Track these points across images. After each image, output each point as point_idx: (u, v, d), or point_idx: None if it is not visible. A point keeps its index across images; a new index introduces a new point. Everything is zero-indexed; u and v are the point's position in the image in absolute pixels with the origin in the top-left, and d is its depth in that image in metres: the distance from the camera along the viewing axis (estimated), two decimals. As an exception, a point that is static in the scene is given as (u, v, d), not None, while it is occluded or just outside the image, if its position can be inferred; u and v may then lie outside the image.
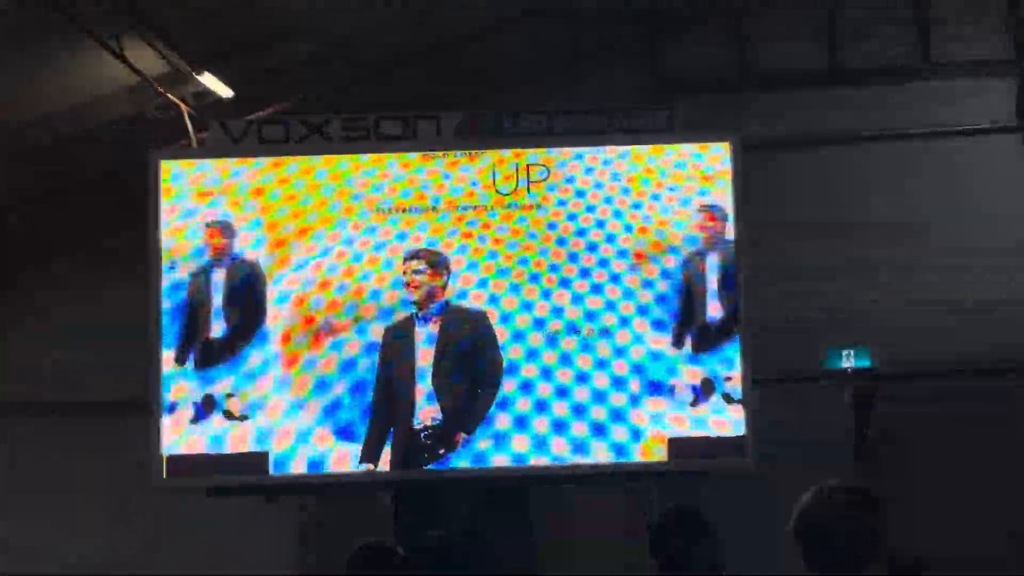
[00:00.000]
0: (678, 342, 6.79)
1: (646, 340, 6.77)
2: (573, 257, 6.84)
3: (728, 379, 6.75)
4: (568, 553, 9.33)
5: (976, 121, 9.83)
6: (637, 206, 6.89)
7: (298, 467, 6.68)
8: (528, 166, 6.93)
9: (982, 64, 9.86)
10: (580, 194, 6.91)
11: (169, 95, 8.28)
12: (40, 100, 8.22)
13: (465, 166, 6.91)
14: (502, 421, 6.71)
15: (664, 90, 9.88)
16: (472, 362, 6.78)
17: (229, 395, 6.72)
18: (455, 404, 6.73)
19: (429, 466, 6.70)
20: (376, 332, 6.76)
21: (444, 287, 6.81)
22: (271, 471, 6.68)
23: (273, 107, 8.71)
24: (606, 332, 6.78)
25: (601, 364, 6.75)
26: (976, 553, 8.93)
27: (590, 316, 6.79)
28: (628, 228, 6.87)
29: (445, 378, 6.73)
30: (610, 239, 6.86)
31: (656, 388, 6.73)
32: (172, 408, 6.72)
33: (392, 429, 6.72)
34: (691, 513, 5.19)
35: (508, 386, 6.73)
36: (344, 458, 6.68)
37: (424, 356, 6.75)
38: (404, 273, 6.80)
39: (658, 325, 6.79)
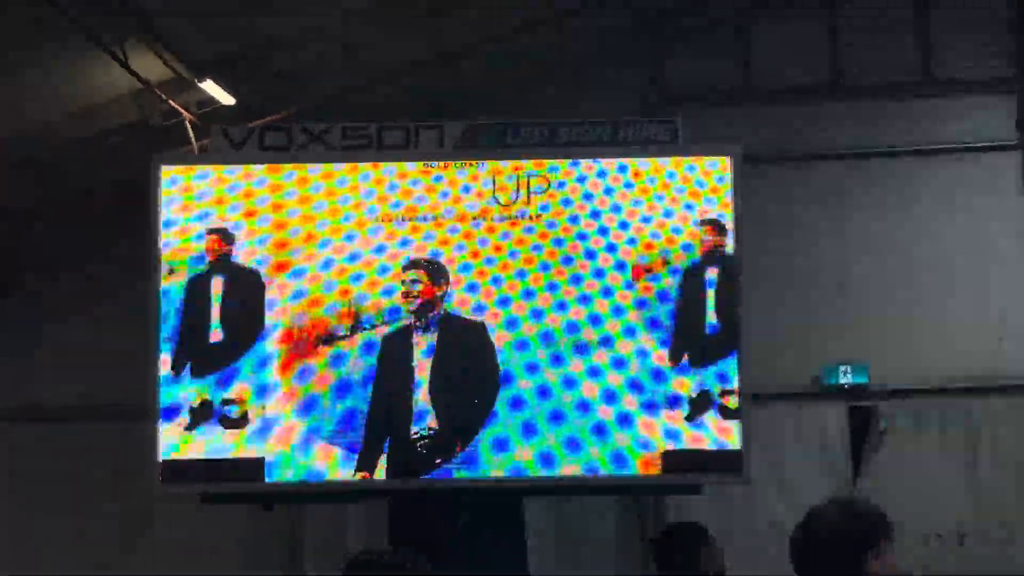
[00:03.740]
0: (676, 355, 6.78)
1: (643, 352, 6.76)
2: (572, 268, 6.84)
3: (725, 393, 6.75)
4: (561, 563, 9.34)
5: (976, 138, 9.84)
6: (637, 218, 6.89)
7: (294, 474, 6.68)
8: (528, 177, 6.94)
9: (982, 82, 9.88)
10: (580, 205, 6.91)
11: (172, 102, 8.30)
12: (44, 106, 8.24)
13: (466, 176, 6.92)
14: (498, 431, 6.71)
15: (667, 103, 9.90)
16: (469, 373, 6.78)
17: (226, 401, 6.73)
18: (451, 414, 6.73)
19: (425, 475, 6.70)
20: (373, 341, 6.76)
21: (442, 297, 6.81)
22: (266, 478, 6.68)
23: (275, 115, 8.73)
24: (603, 344, 6.77)
25: (598, 375, 6.75)
26: (970, 568, 8.95)
27: (587, 327, 6.79)
28: (628, 240, 6.87)
29: (442, 388, 6.73)
30: (609, 250, 6.86)
31: (652, 400, 6.73)
32: (168, 414, 6.73)
33: (388, 438, 6.72)
34: (695, 527, 5.23)
35: (504, 397, 6.73)
36: (340, 466, 6.68)
37: (421, 366, 6.75)
38: (402, 283, 6.81)
39: (655, 338, 6.78)
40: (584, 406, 6.72)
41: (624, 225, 6.88)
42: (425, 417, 6.71)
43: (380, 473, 6.69)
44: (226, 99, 8.36)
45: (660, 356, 6.77)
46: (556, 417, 6.71)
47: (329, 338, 6.76)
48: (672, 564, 5.21)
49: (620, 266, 6.84)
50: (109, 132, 8.61)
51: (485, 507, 6.87)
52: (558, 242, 6.87)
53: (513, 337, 6.77)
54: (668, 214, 6.88)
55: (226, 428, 6.72)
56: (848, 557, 3.38)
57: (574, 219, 6.88)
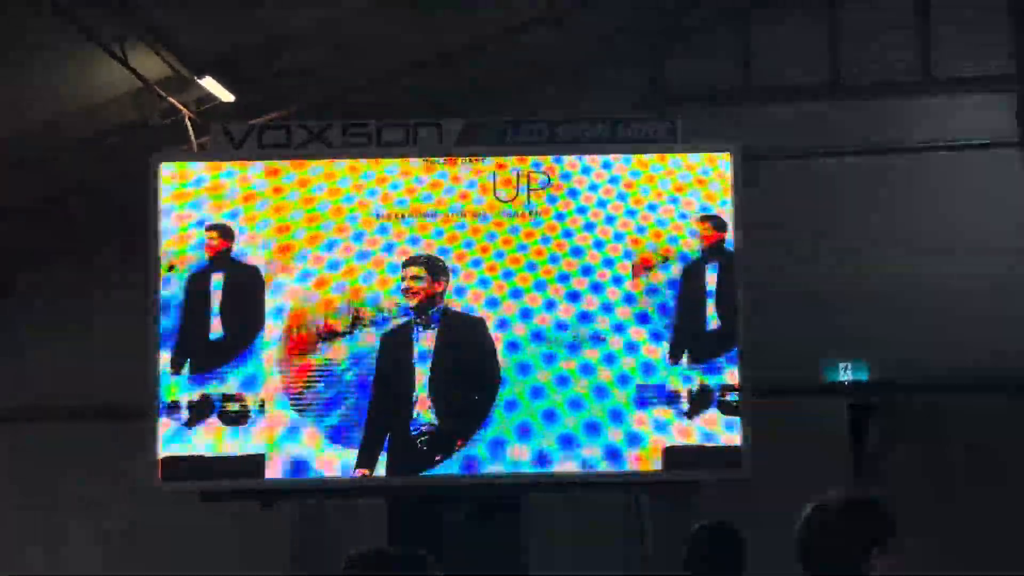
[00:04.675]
0: (676, 351, 6.78)
1: (644, 349, 6.76)
2: (573, 265, 6.84)
3: (725, 389, 6.75)
4: (560, 560, 9.33)
5: (976, 136, 9.84)
6: (637, 215, 6.89)
7: (294, 471, 6.68)
8: (529, 174, 6.94)
9: (983, 79, 9.88)
10: (581, 203, 6.91)
11: (172, 99, 8.30)
12: (44, 105, 8.24)
13: (465, 173, 6.92)
14: (499, 428, 6.70)
15: (666, 102, 9.90)
16: (470, 369, 6.78)
17: (226, 398, 6.72)
18: (452, 411, 6.73)
19: (425, 472, 6.70)
20: (374, 337, 6.76)
21: (443, 294, 6.81)
22: (266, 475, 6.68)
23: (275, 113, 8.73)
24: (603, 340, 6.77)
25: (598, 372, 6.74)
26: (974, 564, 8.94)
27: (588, 323, 6.78)
28: (628, 237, 6.87)
29: (443, 385, 6.73)
30: (609, 248, 6.85)
31: (653, 397, 6.72)
32: (169, 411, 6.72)
33: (389, 435, 6.72)
34: (732, 530, 5.18)
35: (505, 393, 6.73)
36: (340, 463, 6.68)
37: (422, 362, 6.75)
38: (403, 279, 6.81)
39: (656, 334, 6.78)
40: (585, 403, 6.71)
41: (621, 222, 6.88)
42: (425, 414, 6.71)
43: (380, 470, 6.69)
44: (226, 96, 8.36)
45: (660, 352, 6.77)
46: (554, 415, 6.71)
47: (330, 335, 6.76)
48: (704, 566, 5.17)
49: (620, 262, 6.84)
50: (109, 131, 8.61)
51: (485, 505, 6.86)
52: (557, 237, 6.86)
53: (513, 333, 6.77)
54: (667, 210, 6.88)
55: (226, 425, 6.72)
56: (855, 554, 3.36)
57: (579, 213, 6.88)
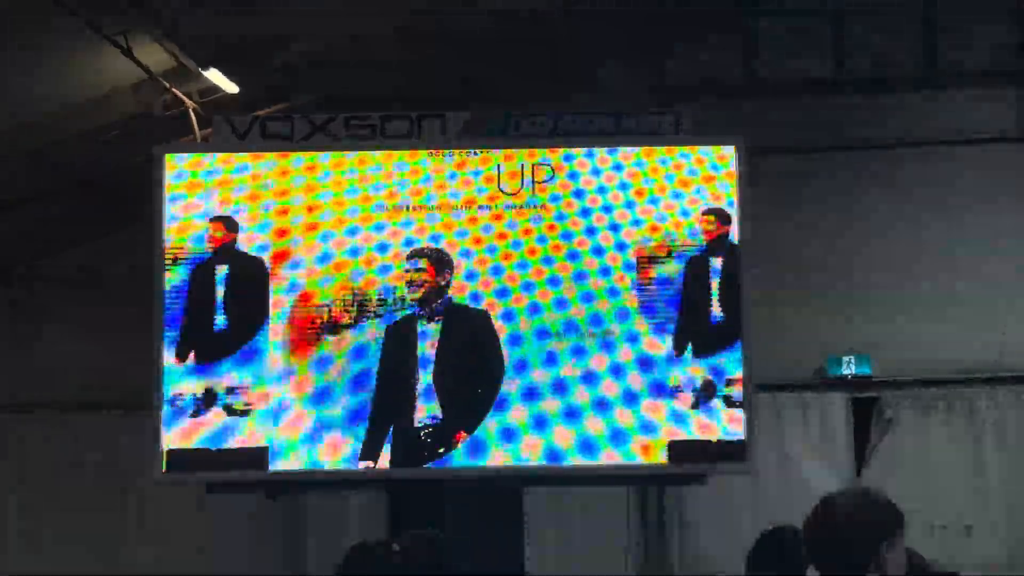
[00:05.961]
0: (680, 344, 6.79)
1: (647, 342, 6.76)
2: (575, 258, 6.84)
3: (729, 383, 6.75)
4: (560, 554, 9.33)
5: (981, 130, 9.82)
6: (641, 208, 6.89)
7: (297, 463, 6.68)
8: (533, 167, 6.94)
9: (988, 73, 9.86)
10: (584, 195, 6.91)
11: (175, 91, 8.28)
12: (47, 95, 8.22)
13: (470, 166, 6.92)
14: (502, 420, 6.70)
15: (670, 95, 9.88)
16: (473, 361, 6.78)
17: (230, 390, 6.72)
18: (456, 403, 6.73)
19: (428, 464, 6.70)
20: (378, 330, 6.76)
21: (447, 286, 6.81)
22: (271, 467, 6.68)
23: (279, 105, 8.71)
24: (608, 333, 6.77)
25: (602, 365, 6.74)
26: (976, 560, 8.93)
27: (592, 317, 6.79)
28: (631, 230, 6.87)
29: (446, 377, 6.73)
30: (613, 241, 6.85)
31: (657, 390, 6.73)
32: (173, 403, 6.72)
33: (392, 427, 6.72)
34: (794, 534, 5.15)
35: (509, 386, 6.73)
36: (344, 455, 6.68)
37: (426, 355, 6.75)
38: (407, 271, 6.81)
39: (660, 327, 6.78)
40: (590, 400, 6.71)
41: (625, 215, 6.89)
42: (429, 406, 6.71)
43: (384, 462, 6.69)
44: (230, 87, 8.34)
45: (664, 346, 6.76)
46: (563, 412, 6.71)
47: (333, 327, 6.76)
48: (769, 569, 5.14)
49: (624, 256, 6.83)
50: (112, 122, 8.59)
51: (485, 498, 6.86)
52: (560, 230, 6.86)
53: (516, 326, 6.77)
54: (671, 203, 6.88)
55: (230, 417, 6.71)
56: (864, 546, 3.36)
57: (575, 208, 6.87)
